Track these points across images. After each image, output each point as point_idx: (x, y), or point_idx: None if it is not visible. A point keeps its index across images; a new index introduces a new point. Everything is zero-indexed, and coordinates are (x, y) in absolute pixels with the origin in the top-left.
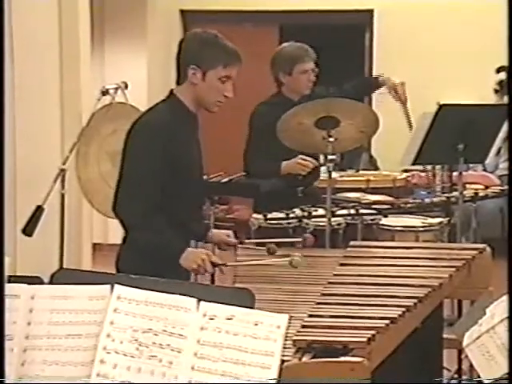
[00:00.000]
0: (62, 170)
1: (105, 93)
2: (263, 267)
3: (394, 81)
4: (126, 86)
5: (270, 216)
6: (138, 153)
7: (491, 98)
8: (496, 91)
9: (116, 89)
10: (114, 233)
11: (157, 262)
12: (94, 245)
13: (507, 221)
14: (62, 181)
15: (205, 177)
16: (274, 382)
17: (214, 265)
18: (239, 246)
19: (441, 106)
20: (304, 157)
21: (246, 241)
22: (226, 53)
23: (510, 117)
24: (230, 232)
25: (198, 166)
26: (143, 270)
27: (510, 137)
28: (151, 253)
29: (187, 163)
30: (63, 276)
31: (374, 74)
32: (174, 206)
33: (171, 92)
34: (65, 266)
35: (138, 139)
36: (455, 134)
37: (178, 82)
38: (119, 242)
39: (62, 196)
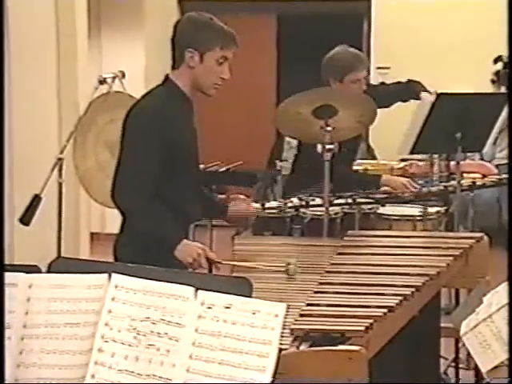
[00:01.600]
0: (60, 159)
1: (102, 82)
2: (261, 257)
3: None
4: (124, 75)
5: (267, 205)
6: (135, 138)
7: (488, 88)
8: (493, 82)
9: (113, 78)
10: (112, 222)
11: (154, 250)
12: (92, 234)
13: (505, 210)
14: (60, 170)
15: (202, 166)
16: (270, 376)
17: (209, 261)
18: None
19: (438, 95)
20: (411, 182)
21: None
22: (223, 34)
23: (511, 110)
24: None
25: (193, 152)
26: (141, 257)
27: (510, 129)
28: (149, 241)
29: (183, 148)
30: (61, 265)
31: (372, 63)
32: (170, 192)
33: (167, 77)
34: (62, 255)
35: (134, 124)
36: (453, 123)
37: (174, 67)
38: (117, 231)
39: (60, 185)
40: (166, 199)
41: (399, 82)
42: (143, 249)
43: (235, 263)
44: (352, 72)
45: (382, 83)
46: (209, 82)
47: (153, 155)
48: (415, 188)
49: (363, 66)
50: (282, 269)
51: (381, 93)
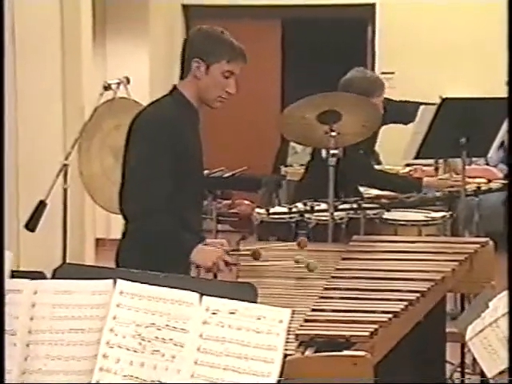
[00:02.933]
0: (65, 165)
1: (107, 88)
2: (266, 261)
3: None
4: (128, 81)
5: (272, 210)
6: (144, 147)
7: (496, 92)
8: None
9: (118, 84)
10: (117, 228)
11: (157, 256)
12: (97, 240)
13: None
14: (65, 176)
15: (206, 171)
16: (275, 381)
17: (226, 264)
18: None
19: (443, 100)
20: None
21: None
22: (231, 48)
23: (510, 115)
24: (224, 241)
25: (199, 162)
26: (144, 263)
27: (510, 135)
28: (163, 247)
29: (190, 159)
30: (66, 271)
31: (377, 68)
32: (176, 202)
33: (174, 87)
34: (67, 261)
35: (144, 131)
36: (458, 127)
37: (182, 77)
38: (117, 236)
39: (65, 191)
40: (172, 211)
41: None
42: (146, 255)
43: (250, 264)
44: (370, 97)
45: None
46: (213, 94)
47: (162, 166)
48: None
49: (380, 91)
50: (296, 265)
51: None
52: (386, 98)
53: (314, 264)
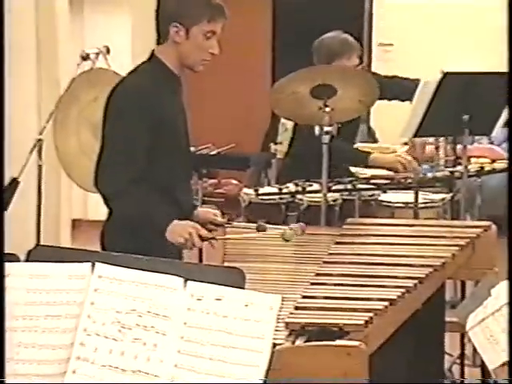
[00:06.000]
0: (39, 141)
1: (85, 58)
2: (254, 245)
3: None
4: (108, 51)
5: (261, 191)
6: (119, 118)
7: (498, 67)
8: None
9: (97, 53)
10: (95, 208)
11: (143, 238)
12: (73, 220)
13: None
14: (39, 152)
15: (192, 149)
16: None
17: (202, 239)
18: (227, 225)
19: (445, 74)
20: (406, 156)
21: (235, 223)
22: (209, 6)
23: (511, 108)
24: (218, 212)
25: (184, 133)
26: (129, 246)
27: (510, 127)
28: (137, 228)
29: (172, 129)
30: (40, 253)
31: (374, 40)
32: (159, 176)
33: (152, 53)
34: (42, 243)
35: (118, 104)
36: (460, 103)
37: (159, 42)
38: (100, 217)
39: (39, 168)
40: (154, 183)
41: (407, 79)
42: (132, 237)
43: (230, 237)
44: (338, 59)
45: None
46: (196, 58)
47: (139, 136)
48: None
49: (351, 53)
50: (278, 237)
51: (385, 84)
52: (374, 73)
53: (289, 233)
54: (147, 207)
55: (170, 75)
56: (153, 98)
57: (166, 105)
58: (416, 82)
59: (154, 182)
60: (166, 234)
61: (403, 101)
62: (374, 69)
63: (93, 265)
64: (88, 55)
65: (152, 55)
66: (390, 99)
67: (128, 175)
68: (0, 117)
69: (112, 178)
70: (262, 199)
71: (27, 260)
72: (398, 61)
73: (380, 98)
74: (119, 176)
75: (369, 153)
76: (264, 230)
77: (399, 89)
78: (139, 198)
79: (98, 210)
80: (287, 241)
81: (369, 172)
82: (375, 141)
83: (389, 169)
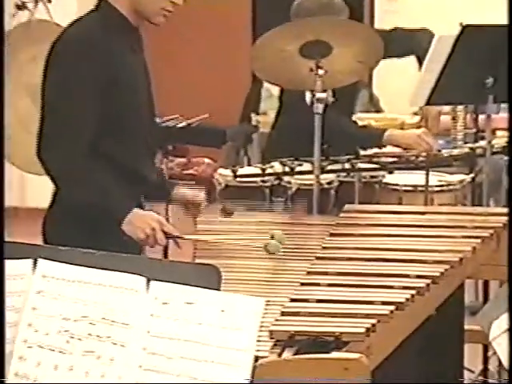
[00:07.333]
0: None
1: (21, 7)
2: (232, 238)
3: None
4: None
5: (240, 172)
6: (62, 78)
7: None
8: None
9: (36, 2)
10: (35, 194)
11: (97, 227)
12: (10, 209)
13: None
14: None
15: (157, 119)
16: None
17: (167, 236)
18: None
19: (464, 27)
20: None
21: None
22: None
23: (511, 106)
24: (201, 194)
25: (146, 100)
26: (79, 239)
27: (510, 123)
28: (90, 214)
29: (131, 93)
30: None
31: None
32: (116, 149)
33: None
34: None
35: (60, 61)
36: (482, 64)
37: None
38: (41, 205)
39: None
40: (111, 158)
41: (416, 30)
42: (82, 226)
43: (201, 238)
44: None
45: (396, 29)
46: (154, 5)
47: (88, 100)
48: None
49: (335, 13)
50: (260, 245)
51: (394, 39)
52: (376, 29)
53: (274, 244)
54: (102, 190)
55: (126, 25)
56: (103, 52)
57: (122, 62)
58: (428, 33)
59: (110, 158)
60: (123, 225)
61: (414, 56)
62: (376, 22)
63: (34, 262)
64: (24, 3)
65: (100, 1)
66: (398, 56)
67: (78, 148)
68: (0, 116)
69: (59, 151)
70: (241, 182)
71: None
72: (404, 13)
73: (385, 57)
74: (68, 149)
75: (383, 130)
76: (231, 214)
77: (407, 42)
78: (92, 178)
79: (38, 195)
80: (272, 253)
81: (372, 148)
82: (379, 110)
83: (406, 149)
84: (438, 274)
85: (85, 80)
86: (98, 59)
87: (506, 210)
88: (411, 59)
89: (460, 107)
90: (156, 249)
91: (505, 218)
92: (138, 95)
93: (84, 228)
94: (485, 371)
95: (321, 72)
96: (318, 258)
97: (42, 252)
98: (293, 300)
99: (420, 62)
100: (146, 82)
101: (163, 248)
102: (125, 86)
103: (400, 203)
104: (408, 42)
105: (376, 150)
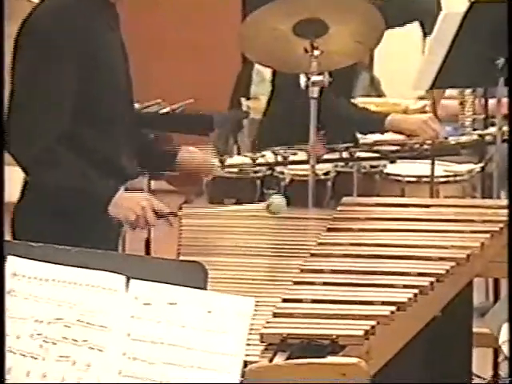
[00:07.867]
0: None
1: None
2: (219, 233)
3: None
4: None
5: (229, 162)
6: (33, 59)
7: None
8: None
9: None
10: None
11: (75, 216)
12: None
13: None
14: None
15: (136, 105)
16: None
17: (158, 215)
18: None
19: (472, 3)
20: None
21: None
22: None
23: (510, 102)
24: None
25: (124, 82)
26: (52, 234)
27: (510, 121)
28: (65, 205)
29: (109, 73)
30: None
31: None
32: (91, 136)
33: None
34: None
35: (30, 40)
36: (492, 43)
37: None
38: (10, 198)
39: None
40: (87, 147)
41: None
42: (56, 218)
43: (194, 213)
44: None
45: None
46: None
47: (63, 79)
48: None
49: None
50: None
51: (394, 4)
52: None
53: (276, 204)
54: (82, 171)
55: (102, 1)
56: (80, 28)
57: (100, 38)
58: None
59: (85, 146)
60: (109, 208)
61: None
62: None
63: (4, 259)
64: None
65: None
66: (399, 25)
67: (52, 132)
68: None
69: (31, 135)
70: (230, 172)
71: None
72: None
73: (386, 27)
74: (40, 132)
75: (385, 114)
76: (278, 212)
77: (409, 7)
78: (70, 159)
79: (7, 188)
80: (274, 214)
81: (372, 136)
82: (380, 94)
83: (409, 136)
84: (442, 272)
85: (61, 57)
86: (74, 32)
87: None
88: (416, 40)
89: (468, 91)
90: (137, 245)
91: None
92: (117, 76)
93: (60, 218)
94: (495, 377)
95: (316, 53)
96: (313, 255)
97: (11, 248)
98: (285, 300)
99: (424, 29)
100: (125, 63)
101: (145, 245)
102: (103, 66)
103: (403, 195)
104: (410, 6)
105: (377, 137)
